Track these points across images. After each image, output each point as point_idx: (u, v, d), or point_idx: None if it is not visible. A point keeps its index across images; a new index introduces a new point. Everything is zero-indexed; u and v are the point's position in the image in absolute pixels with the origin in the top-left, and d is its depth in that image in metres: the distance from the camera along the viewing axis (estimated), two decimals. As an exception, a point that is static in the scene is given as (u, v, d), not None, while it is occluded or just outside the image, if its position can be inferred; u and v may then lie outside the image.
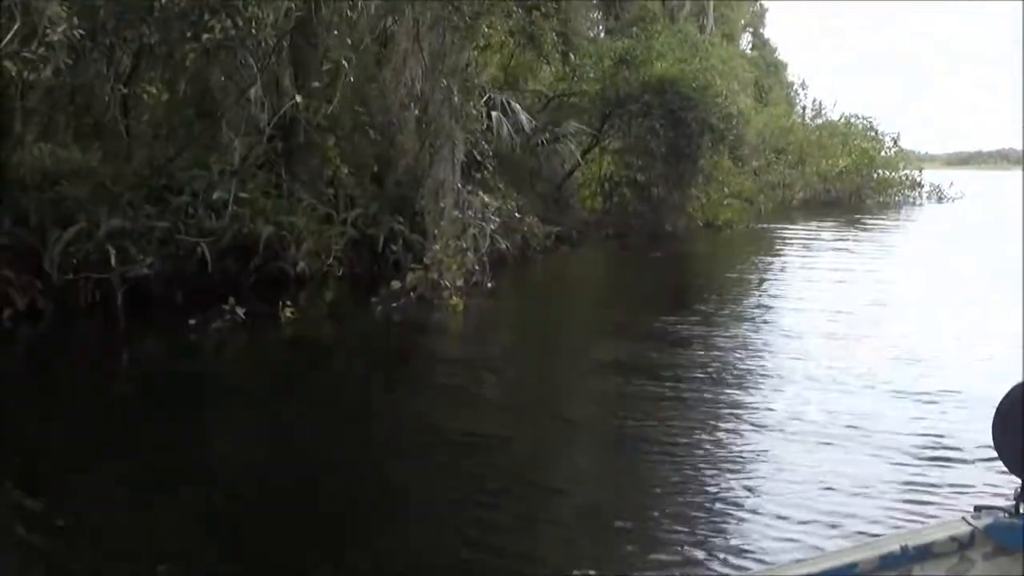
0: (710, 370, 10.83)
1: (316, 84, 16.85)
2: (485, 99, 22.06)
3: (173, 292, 13.72)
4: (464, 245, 15.89)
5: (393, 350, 12.91)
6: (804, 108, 66.20)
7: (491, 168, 20.35)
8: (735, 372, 10.84)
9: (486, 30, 24.53)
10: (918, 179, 54.52)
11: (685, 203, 27.90)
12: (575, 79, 27.23)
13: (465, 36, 17.63)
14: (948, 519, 3.89)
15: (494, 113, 22.09)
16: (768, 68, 64.45)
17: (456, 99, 16.98)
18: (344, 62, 16.96)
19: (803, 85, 69.71)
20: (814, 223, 35.78)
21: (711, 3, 55.51)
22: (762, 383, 10.30)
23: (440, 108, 17.09)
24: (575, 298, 18.20)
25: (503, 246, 18.13)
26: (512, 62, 26.98)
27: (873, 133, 53.77)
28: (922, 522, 5.98)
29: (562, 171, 26.69)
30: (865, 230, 33.48)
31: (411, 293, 14.77)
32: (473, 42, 18.45)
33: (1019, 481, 2.92)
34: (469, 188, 17.41)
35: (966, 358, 11.52)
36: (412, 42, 17.48)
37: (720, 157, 29.38)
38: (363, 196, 17.58)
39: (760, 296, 17.30)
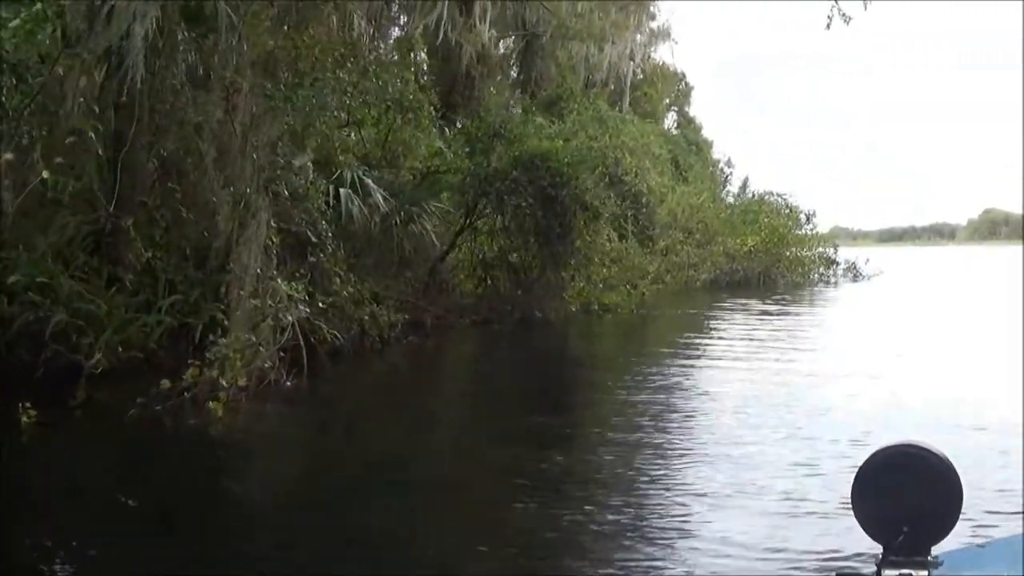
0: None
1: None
2: (335, 176, 20.33)
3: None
4: (253, 339, 13.91)
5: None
6: (727, 186, 65.55)
7: (328, 250, 18.50)
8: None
9: (347, 102, 23.40)
10: (833, 257, 53.26)
11: (559, 287, 25.99)
12: (450, 155, 25.53)
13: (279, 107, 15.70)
14: None
15: (343, 191, 20.24)
16: (690, 147, 63.80)
17: (263, 176, 15.09)
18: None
19: (729, 163, 69.18)
20: (711, 305, 34.91)
21: (628, 80, 54.72)
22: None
23: (249, 186, 15.26)
24: (391, 401, 15.80)
25: (315, 339, 16.35)
26: (390, 137, 25.26)
27: (788, 211, 52.69)
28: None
29: (436, 253, 24.98)
30: (759, 313, 32.40)
31: (185, 393, 12.80)
32: (286, 115, 16.29)
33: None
34: (271, 275, 15.41)
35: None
36: (225, 113, 15.80)
37: (595, 237, 27.03)
38: (184, 282, 15.70)
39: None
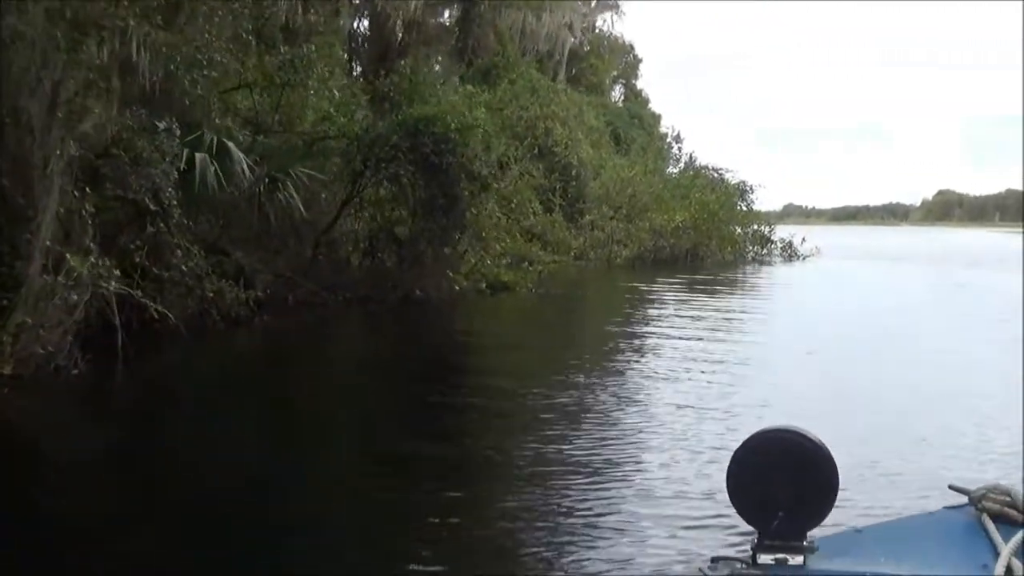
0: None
1: None
2: (190, 139, 18.68)
3: None
4: (28, 321, 12.21)
5: None
6: (677, 163, 64.17)
7: (173, 220, 16.89)
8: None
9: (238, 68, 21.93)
10: (768, 235, 51.85)
11: (444, 264, 24.00)
12: (340, 119, 23.85)
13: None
14: (684, 571, 5.41)
15: (198, 155, 18.59)
16: (633, 119, 62.60)
17: (52, 135, 13.38)
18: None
19: (677, 138, 67.85)
20: (619, 285, 33.43)
21: (566, 50, 53.45)
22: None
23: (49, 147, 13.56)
24: (184, 396, 13.58)
25: (140, 318, 14.84)
26: (283, 100, 23.61)
27: (724, 186, 51.29)
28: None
29: (321, 224, 23.40)
30: (667, 294, 30.49)
31: None
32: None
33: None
34: (87, 248, 13.71)
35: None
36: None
37: (480, 208, 24.99)
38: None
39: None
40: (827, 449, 2.73)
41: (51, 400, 12.03)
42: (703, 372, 15.25)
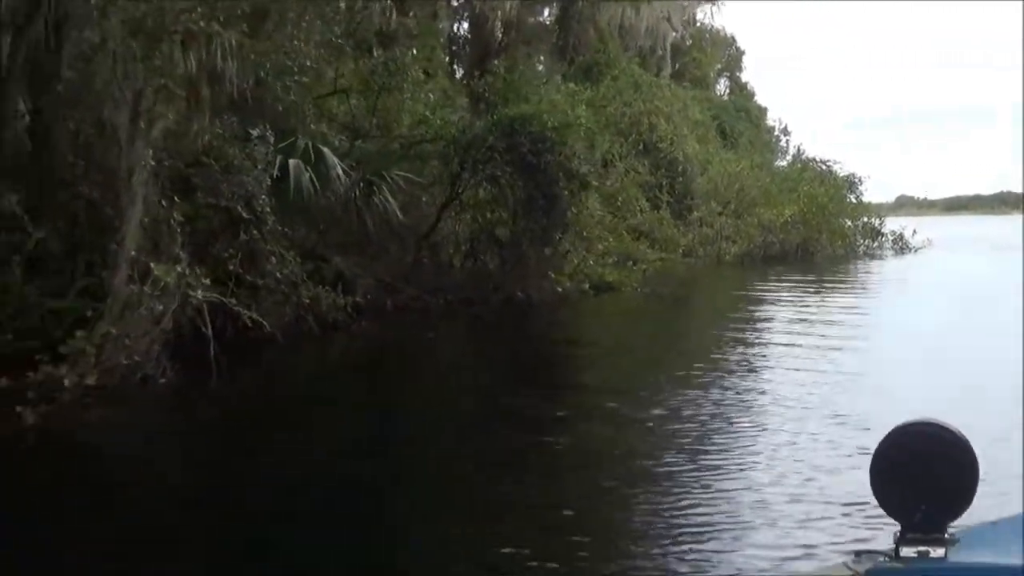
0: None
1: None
2: (284, 145, 18.46)
3: None
4: (115, 331, 11.94)
5: None
6: (784, 155, 63.10)
7: (267, 227, 16.64)
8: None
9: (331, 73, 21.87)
10: (879, 228, 50.51)
11: (545, 264, 23.49)
12: (437, 121, 23.53)
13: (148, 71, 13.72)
14: (829, 564, 4.85)
15: (291, 162, 18.37)
16: (739, 113, 61.81)
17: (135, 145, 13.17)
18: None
19: (785, 131, 66.76)
20: (728, 283, 32.88)
21: (668, 43, 52.87)
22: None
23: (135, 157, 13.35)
24: (268, 410, 12.69)
25: (234, 327, 14.60)
26: (379, 104, 23.42)
27: (833, 179, 50.06)
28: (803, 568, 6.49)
29: (423, 228, 23.14)
30: (776, 292, 29.64)
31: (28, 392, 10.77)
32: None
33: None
34: (176, 255, 13.43)
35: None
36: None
37: (581, 207, 24.18)
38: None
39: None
40: (967, 441, 2.71)
41: (134, 410, 11.77)
42: (823, 372, 14.50)
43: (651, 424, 11.37)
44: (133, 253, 12.68)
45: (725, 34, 65.68)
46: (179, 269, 12.96)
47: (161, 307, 12.33)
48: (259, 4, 18.94)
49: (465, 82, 31.32)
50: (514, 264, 23.02)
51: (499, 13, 42.49)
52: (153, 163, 13.39)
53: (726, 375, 14.73)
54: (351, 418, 12.28)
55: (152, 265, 12.54)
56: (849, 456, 9.19)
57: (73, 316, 12.70)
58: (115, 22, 13.39)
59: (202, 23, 14.40)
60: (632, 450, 10.23)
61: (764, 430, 10.81)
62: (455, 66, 43.71)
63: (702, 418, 11.55)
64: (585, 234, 24.51)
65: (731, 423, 11.34)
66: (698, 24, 60.84)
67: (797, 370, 14.81)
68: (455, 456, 10.26)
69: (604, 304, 24.60)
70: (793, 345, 18.01)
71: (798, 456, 9.54)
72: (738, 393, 13.17)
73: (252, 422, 11.81)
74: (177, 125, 14.63)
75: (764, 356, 17.31)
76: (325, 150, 19.26)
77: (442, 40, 44.04)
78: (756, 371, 15.46)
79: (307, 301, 16.96)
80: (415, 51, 24.50)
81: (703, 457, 9.65)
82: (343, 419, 12.18)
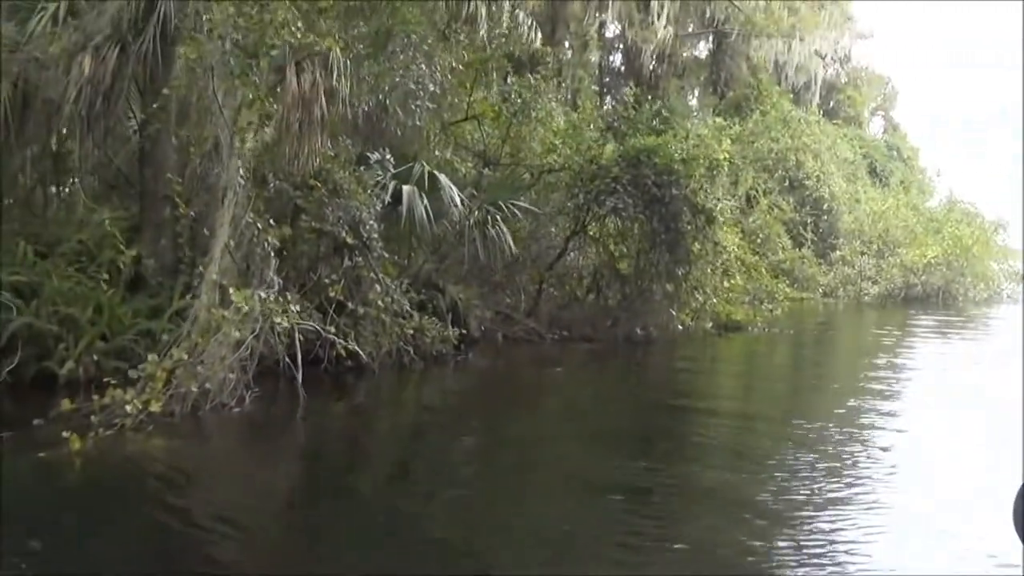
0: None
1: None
2: (399, 171, 18.05)
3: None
4: (187, 356, 11.48)
5: None
6: (934, 197, 61.28)
7: (374, 254, 16.17)
8: None
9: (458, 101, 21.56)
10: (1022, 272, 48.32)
11: (668, 301, 22.53)
12: (567, 150, 22.97)
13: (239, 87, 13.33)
14: None
15: (405, 188, 17.95)
16: (891, 152, 60.31)
17: (233, 165, 12.78)
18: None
19: (938, 173, 64.89)
20: (861, 324, 31.57)
21: (818, 79, 51.77)
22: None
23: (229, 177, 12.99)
24: (345, 449, 11.78)
25: (329, 356, 14.26)
26: (511, 132, 23.13)
27: (980, 219, 48.32)
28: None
29: (547, 259, 22.74)
30: (914, 336, 28.25)
31: (92, 416, 10.31)
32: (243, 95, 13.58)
33: None
34: (269, 281, 13.02)
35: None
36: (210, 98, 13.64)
37: (706, 243, 22.73)
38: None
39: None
40: None
41: (193, 440, 10.98)
42: (963, 431, 13.28)
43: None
44: (215, 277, 12.21)
45: (880, 73, 64.29)
46: (262, 295, 12.50)
47: (238, 334, 11.86)
48: (382, 25, 18.68)
49: (598, 113, 30.67)
50: (635, 299, 22.24)
51: (652, 46, 42.36)
52: (243, 182, 12.91)
53: (844, 418, 13.56)
54: (430, 462, 11.30)
55: (231, 290, 12.09)
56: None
57: (170, 338, 12.34)
58: (212, 38, 13.07)
59: (305, 38, 13.95)
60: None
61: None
62: (604, 97, 43.64)
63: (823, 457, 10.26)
64: (711, 271, 23.46)
65: (856, 463, 10.49)
66: (854, 62, 59.44)
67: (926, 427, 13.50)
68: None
69: (728, 344, 23.47)
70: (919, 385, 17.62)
71: (925, 499, 9.42)
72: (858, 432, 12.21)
73: (313, 461, 11.18)
74: (279, 145, 14.20)
75: (885, 401, 15.98)
76: (441, 177, 18.72)
77: (594, 72, 43.89)
78: (878, 412, 14.41)
79: (410, 332, 16.36)
80: (561, 81, 24.05)
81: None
82: (424, 459, 11.48)
